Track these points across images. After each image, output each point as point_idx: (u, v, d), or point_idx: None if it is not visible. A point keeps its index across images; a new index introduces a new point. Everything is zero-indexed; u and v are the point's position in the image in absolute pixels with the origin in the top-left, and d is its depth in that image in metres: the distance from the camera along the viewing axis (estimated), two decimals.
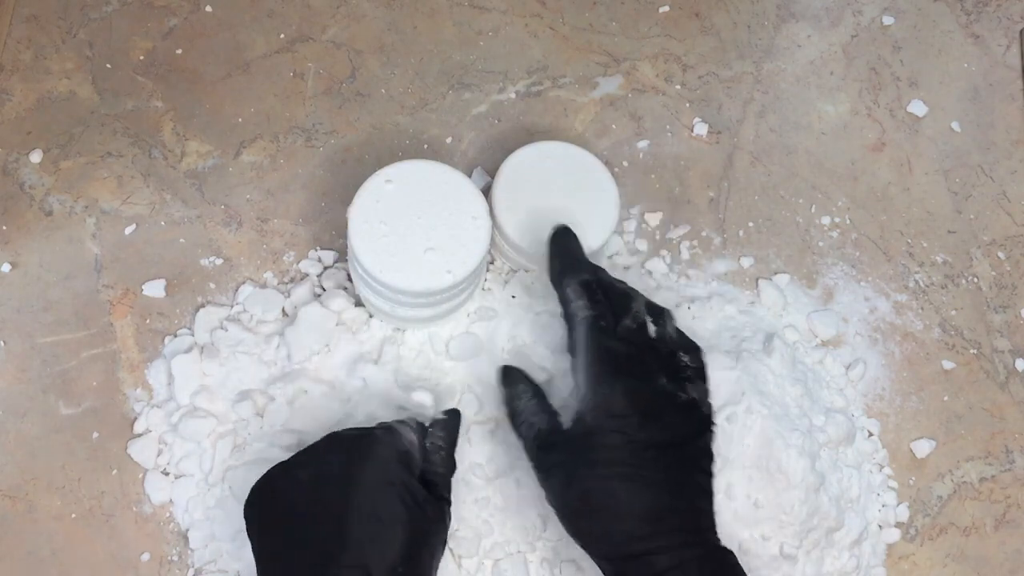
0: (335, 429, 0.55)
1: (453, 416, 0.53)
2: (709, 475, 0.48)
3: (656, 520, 0.45)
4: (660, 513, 0.45)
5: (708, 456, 0.48)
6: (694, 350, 0.52)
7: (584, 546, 0.47)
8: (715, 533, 0.47)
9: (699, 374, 0.51)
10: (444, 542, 0.49)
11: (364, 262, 0.53)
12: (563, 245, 0.54)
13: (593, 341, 0.49)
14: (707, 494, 0.48)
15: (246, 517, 0.47)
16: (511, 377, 0.53)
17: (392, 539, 0.45)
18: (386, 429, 0.50)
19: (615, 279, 0.53)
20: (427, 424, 0.52)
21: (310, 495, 0.46)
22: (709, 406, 0.50)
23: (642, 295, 0.53)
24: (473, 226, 0.55)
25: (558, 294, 0.52)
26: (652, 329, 0.50)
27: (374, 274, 0.53)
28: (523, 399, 0.51)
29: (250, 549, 0.55)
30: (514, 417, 0.51)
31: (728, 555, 0.46)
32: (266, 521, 0.47)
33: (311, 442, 0.55)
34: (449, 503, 0.50)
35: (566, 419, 0.48)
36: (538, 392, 0.52)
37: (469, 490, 0.55)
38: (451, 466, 0.51)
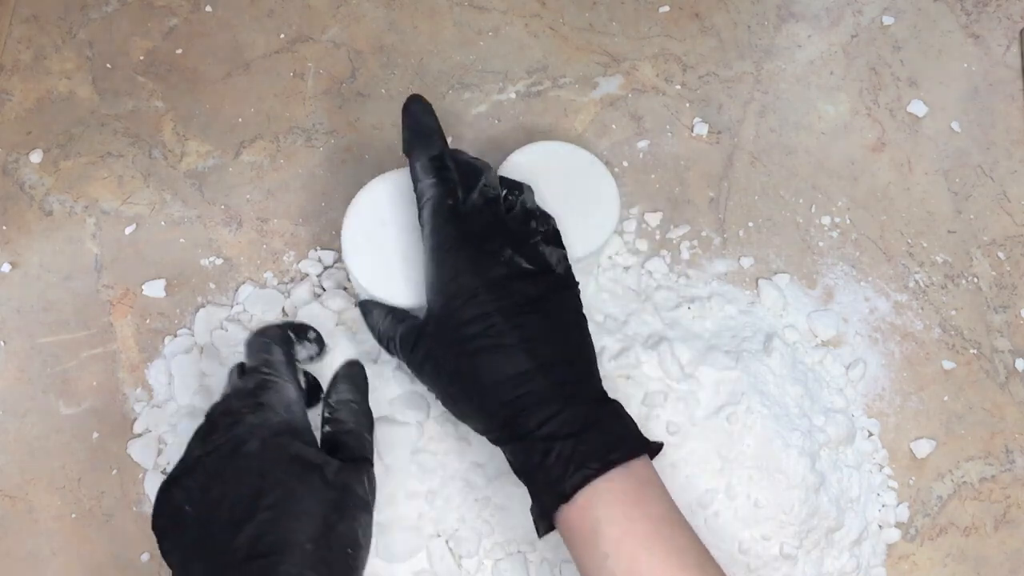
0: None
1: (352, 366, 0.50)
2: (579, 329, 0.48)
3: (524, 381, 0.45)
4: (527, 375, 0.45)
5: (573, 311, 0.49)
6: (546, 217, 0.52)
7: (472, 428, 0.48)
8: (597, 384, 0.47)
9: (550, 238, 0.51)
10: (366, 505, 0.44)
11: (360, 279, 0.54)
12: (416, 117, 0.51)
13: (436, 220, 0.48)
14: (578, 347, 0.47)
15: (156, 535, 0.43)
16: (365, 308, 0.53)
17: (290, 523, 0.41)
18: (251, 393, 0.45)
19: (471, 156, 0.52)
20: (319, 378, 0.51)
21: (200, 506, 0.42)
22: (567, 267, 0.50)
23: (494, 170, 0.52)
24: None
25: (410, 171, 0.51)
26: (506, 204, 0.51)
27: (371, 291, 0.54)
28: (382, 321, 0.51)
29: None
30: (382, 342, 0.51)
31: (612, 404, 0.46)
32: (169, 546, 0.43)
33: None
34: (368, 461, 0.46)
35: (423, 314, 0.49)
36: (392, 310, 0.52)
37: (469, 490, 0.55)
38: (364, 421, 0.48)
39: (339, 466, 0.44)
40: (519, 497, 0.55)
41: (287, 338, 0.49)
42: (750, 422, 0.54)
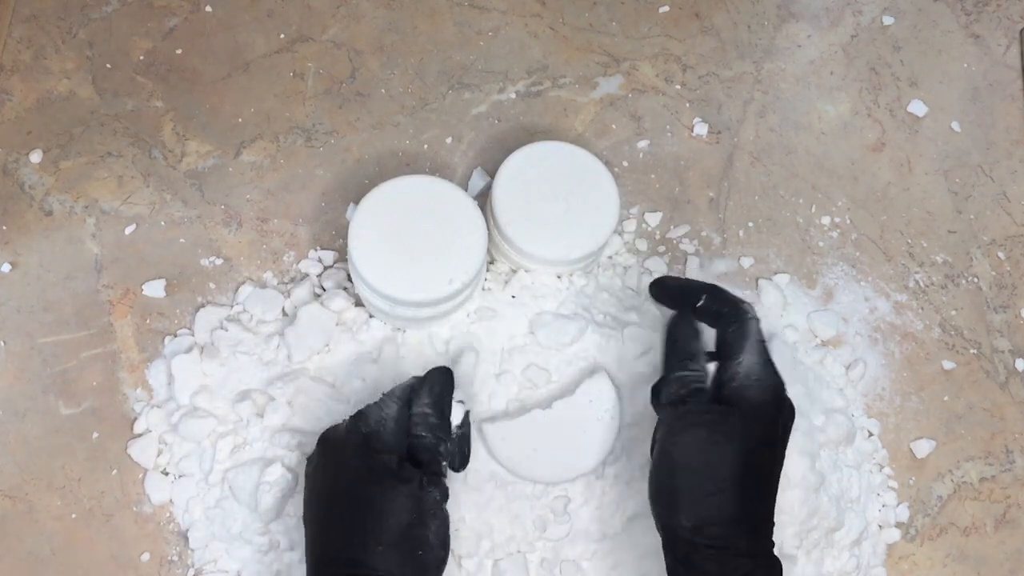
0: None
1: (433, 375, 0.52)
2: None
3: (745, 517, 0.46)
4: (752, 510, 0.46)
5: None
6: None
7: (668, 510, 0.47)
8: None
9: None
10: (436, 511, 0.48)
11: (367, 278, 0.54)
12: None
13: (759, 338, 0.50)
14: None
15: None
16: (693, 325, 0.52)
17: (368, 528, 0.46)
18: (354, 416, 0.50)
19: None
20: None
21: (309, 504, 0.50)
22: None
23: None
24: (470, 234, 0.55)
25: (718, 301, 0.52)
26: None
27: (377, 288, 0.54)
28: (698, 353, 0.51)
29: (248, 549, 0.55)
30: (688, 360, 0.50)
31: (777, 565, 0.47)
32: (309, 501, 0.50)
33: (311, 443, 0.55)
34: (436, 472, 0.49)
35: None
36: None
37: (469, 490, 0.55)
38: (440, 429, 0.50)
39: (418, 477, 0.48)
40: (519, 497, 0.55)
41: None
42: None
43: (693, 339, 0.51)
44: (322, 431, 0.51)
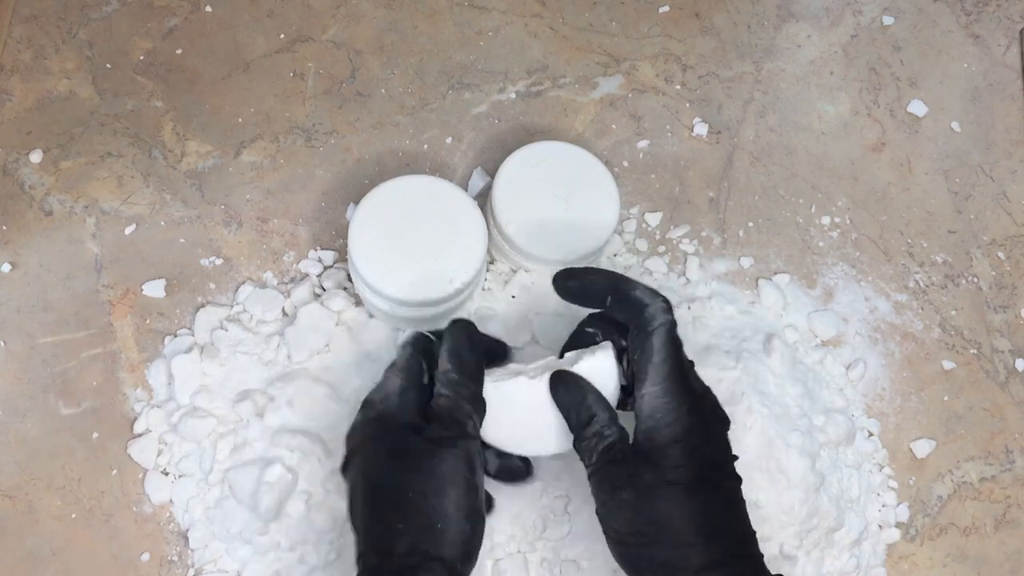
0: (337, 428, 0.54)
1: (448, 328, 0.49)
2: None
3: (714, 538, 0.43)
4: (718, 531, 0.43)
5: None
6: None
7: (636, 566, 0.44)
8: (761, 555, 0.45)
9: None
10: (453, 477, 0.44)
11: (367, 278, 0.54)
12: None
13: (669, 347, 0.45)
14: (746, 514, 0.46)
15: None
16: (580, 386, 0.48)
17: (391, 511, 0.44)
18: (361, 407, 0.48)
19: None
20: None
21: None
22: None
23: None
24: (470, 234, 0.55)
25: (622, 306, 0.47)
26: None
27: (378, 288, 0.54)
28: (598, 409, 0.46)
29: (248, 549, 0.55)
30: (586, 426, 0.46)
31: None
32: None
33: (311, 443, 0.55)
34: (453, 439, 0.45)
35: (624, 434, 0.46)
36: (607, 403, 0.47)
37: None
38: (459, 384, 0.47)
39: (431, 439, 0.45)
40: (519, 497, 0.55)
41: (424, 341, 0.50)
42: (750, 422, 0.54)
43: (585, 405, 0.46)
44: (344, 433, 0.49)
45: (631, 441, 0.46)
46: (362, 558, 0.45)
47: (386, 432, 0.46)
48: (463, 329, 0.49)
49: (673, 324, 0.46)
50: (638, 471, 0.43)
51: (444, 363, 0.47)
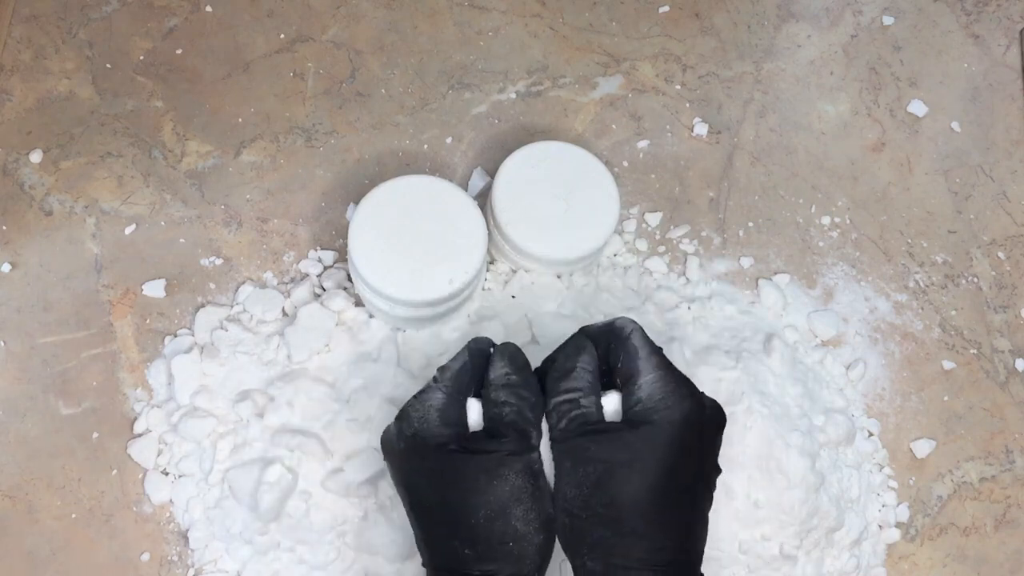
0: (336, 428, 0.54)
1: (505, 344, 0.47)
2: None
3: (665, 535, 0.42)
4: (670, 529, 0.42)
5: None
6: None
7: (580, 545, 0.43)
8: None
9: None
10: (518, 493, 0.42)
11: (367, 278, 0.54)
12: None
13: (650, 344, 0.45)
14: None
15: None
16: (582, 344, 0.46)
17: (445, 530, 0.43)
18: (396, 418, 0.46)
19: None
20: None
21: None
22: None
23: None
24: (470, 234, 0.55)
25: (595, 339, 0.47)
26: None
27: (378, 288, 0.54)
28: (584, 375, 0.45)
29: (248, 549, 0.55)
30: (563, 380, 0.45)
31: None
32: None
33: (311, 443, 0.55)
34: (519, 444, 0.43)
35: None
36: (596, 376, 0.46)
37: None
38: (523, 388, 0.44)
39: (479, 472, 0.43)
40: None
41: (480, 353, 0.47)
42: (750, 422, 0.54)
43: (573, 357, 0.45)
44: (381, 435, 0.47)
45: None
46: (436, 573, 0.43)
47: (426, 456, 0.44)
48: (514, 345, 0.47)
49: (642, 329, 0.46)
50: (612, 450, 0.42)
51: (500, 368, 0.45)
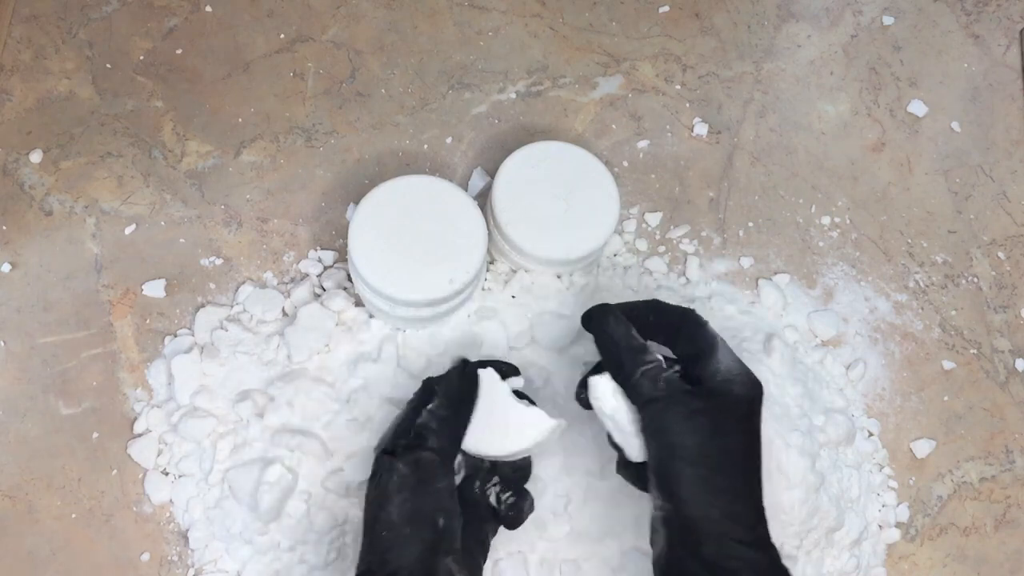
0: (336, 428, 0.54)
1: (452, 373, 0.51)
2: None
3: (749, 506, 0.45)
4: (753, 499, 0.46)
5: None
6: None
7: (676, 500, 0.45)
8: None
9: None
10: (408, 476, 0.46)
11: (367, 278, 0.54)
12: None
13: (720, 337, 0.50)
14: None
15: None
16: (623, 320, 0.50)
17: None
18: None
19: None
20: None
21: None
22: None
23: None
24: (470, 234, 0.55)
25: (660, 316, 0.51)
26: None
27: (378, 288, 0.54)
28: (644, 345, 0.49)
29: (248, 549, 0.55)
30: (641, 353, 0.48)
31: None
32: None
33: (311, 443, 0.55)
34: (411, 441, 0.47)
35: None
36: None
37: None
38: (439, 408, 0.49)
39: (380, 467, 0.47)
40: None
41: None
42: None
43: (632, 335, 0.49)
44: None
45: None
46: None
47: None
48: (459, 372, 0.51)
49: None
50: (715, 404, 0.46)
51: (435, 400, 0.49)
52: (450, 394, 0.49)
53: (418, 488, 0.46)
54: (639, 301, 0.52)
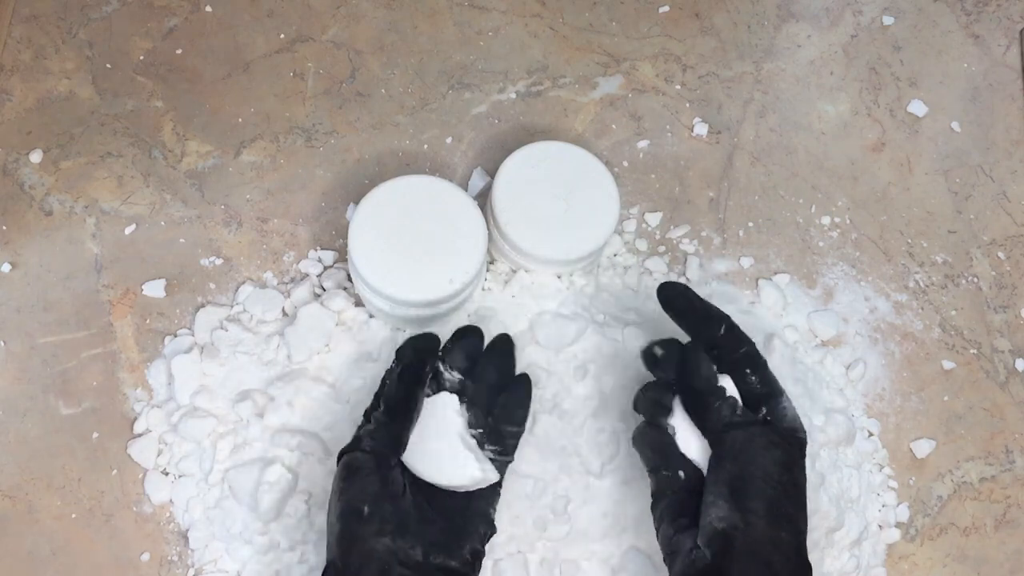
0: (337, 428, 0.55)
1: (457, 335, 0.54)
2: None
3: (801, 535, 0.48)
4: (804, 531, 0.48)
5: None
6: None
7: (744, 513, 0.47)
8: None
9: None
10: (341, 474, 0.48)
11: (367, 278, 0.54)
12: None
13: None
14: None
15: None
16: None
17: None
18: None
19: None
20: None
21: None
22: None
23: None
24: (470, 234, 0.55)
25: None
26: None
27: (378, 288, 0.54)
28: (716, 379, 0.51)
29: (248, 549, 0.55)
30: (714, 389, 0.51)
31: None
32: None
33: (311, 442, 0.55)
34: (349, 445, 0.49)
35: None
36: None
37: None
38: (380, 413, 0.50)
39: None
40: (519, 497, 0.55)
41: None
42: None
43: (714, 373, 0.51)
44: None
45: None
46: None
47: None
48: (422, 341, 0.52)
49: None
50: (787, 441, 0.49)
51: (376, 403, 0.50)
52: (389, 402, 0.50)
53: (344, 486, 0.48)
54: (718, 311, 0.52)
